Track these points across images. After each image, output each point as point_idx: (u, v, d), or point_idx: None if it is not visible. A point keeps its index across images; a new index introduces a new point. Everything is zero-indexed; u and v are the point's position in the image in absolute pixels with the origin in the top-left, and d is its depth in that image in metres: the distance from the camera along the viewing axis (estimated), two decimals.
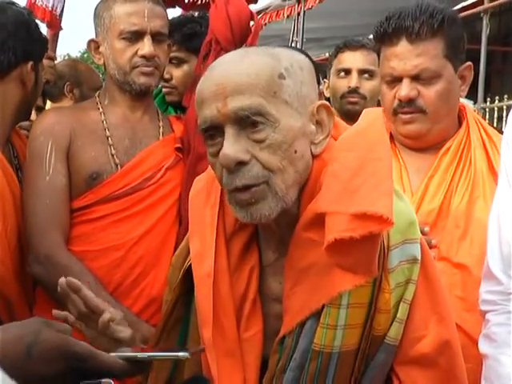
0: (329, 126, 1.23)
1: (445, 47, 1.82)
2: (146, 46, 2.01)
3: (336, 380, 1.19)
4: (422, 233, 1.70)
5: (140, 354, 1.11)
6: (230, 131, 1.15)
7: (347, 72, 2.81)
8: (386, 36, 1.84)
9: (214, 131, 1.17)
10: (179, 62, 2.57)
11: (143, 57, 2.02)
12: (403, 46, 1.81)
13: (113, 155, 2.03)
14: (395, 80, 1.85)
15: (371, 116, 1.26)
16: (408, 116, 1.85)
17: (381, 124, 1.24)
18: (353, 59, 2.80)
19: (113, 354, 1.06)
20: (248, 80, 1.14)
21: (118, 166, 2.02)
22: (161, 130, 2.13)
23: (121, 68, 2.04)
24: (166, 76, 2.56)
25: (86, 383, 1.04)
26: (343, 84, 2.81)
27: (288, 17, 9.47)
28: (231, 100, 1.14)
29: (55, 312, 1.44)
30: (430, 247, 1.73)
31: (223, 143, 1.15)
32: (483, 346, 1.53)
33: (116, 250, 1.98)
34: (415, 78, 1.82)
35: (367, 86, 2.80)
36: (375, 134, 1.21)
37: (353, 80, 2.78)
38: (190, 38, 2.53)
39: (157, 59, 2.05)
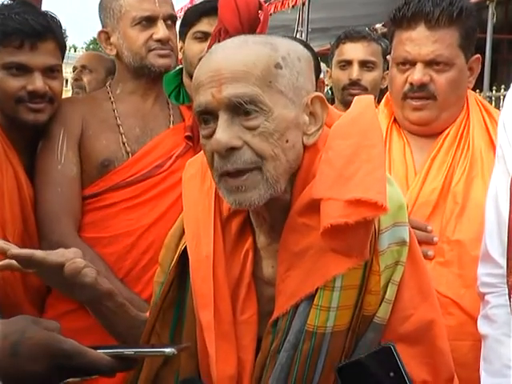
0: (322, 118, 1.23)
1: (460, 37, 1.84)
2: (160, 30, 2.05)
3: (328, 359, 1.21)
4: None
5: (126, 351, 1.10)
6: (223, 117, 1.16)
7: (348, 63, 2.84)
8: (403, 20, 1.85)
9: (207, 116, 1.19)
10: None
11: (159, 41, 2.05)
12: (420, 31, 1.83)
13: (124, 143, 2.06)
14: (408, 64, 1.86)
15: (363, 103, 1.27)
16: (419, 102, 1.87)
17: (373, 111, 1.25)
18: (354, 51, 2.84)
19: (99, 351, 1.06)
20: (244, 69, 1.16)
21: (129, 154, 2.05)
22: (171, 118, 2.16)
23: (136, 53, 2.07)
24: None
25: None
26: (344, 76, 2.85)
27: (293, 7, 9.45)
28: (226, 87, 1.15)
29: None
30: (433, 244, 1.76)
31: (216, 128, 1.17)
32: (483, 327, 1.55)
33: (127, 236, 2.01)
34: (429, 63, 1.84)
35: (368, 78, 2.84)
36: (368, 121, 1.22)
37: (354, 72, 2.83)
38: None
39: (171, 42, 2.09)
